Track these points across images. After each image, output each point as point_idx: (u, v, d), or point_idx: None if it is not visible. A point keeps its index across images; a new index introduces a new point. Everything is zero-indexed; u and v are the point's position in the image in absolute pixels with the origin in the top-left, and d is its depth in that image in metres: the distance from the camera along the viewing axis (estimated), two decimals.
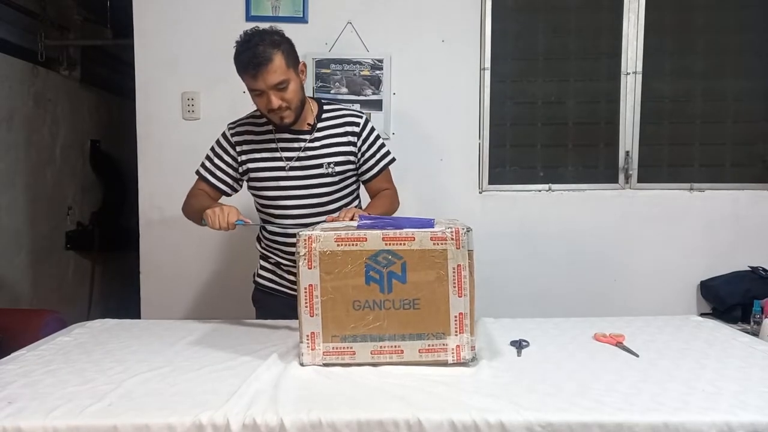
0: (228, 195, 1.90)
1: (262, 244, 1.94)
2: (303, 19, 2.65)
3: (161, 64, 2.69)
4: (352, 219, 1.63)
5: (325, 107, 1.88)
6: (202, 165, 1.88)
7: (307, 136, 1.82)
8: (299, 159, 1.81)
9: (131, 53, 2.71)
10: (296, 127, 1.81)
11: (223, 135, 1.88)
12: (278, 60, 1.66)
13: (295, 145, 1.82)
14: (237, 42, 1.70)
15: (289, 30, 1.78)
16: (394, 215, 1.90)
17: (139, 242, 2.75)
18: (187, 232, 2.71)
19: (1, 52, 2.94)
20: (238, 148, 1.84)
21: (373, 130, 1.90)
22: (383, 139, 1.97)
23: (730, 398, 1.16)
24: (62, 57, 3.48)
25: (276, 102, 1.69)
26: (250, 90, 1.72)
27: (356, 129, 1.86)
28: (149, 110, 2.71)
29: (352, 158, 1.86)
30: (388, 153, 1.93)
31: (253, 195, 1.90)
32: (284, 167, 1.80)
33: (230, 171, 1.86)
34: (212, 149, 1.88)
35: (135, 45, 2.69)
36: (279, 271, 1.92)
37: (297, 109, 1.76)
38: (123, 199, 3.90)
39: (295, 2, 2.67)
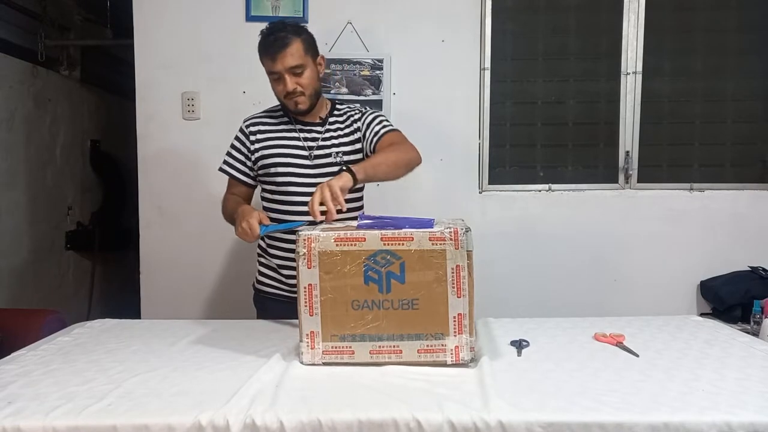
0: (253, 187, 1.94)
1: (266, 242, 1.93)
2: (303, 19, 2.64)
3: (161, 64, 2.69)
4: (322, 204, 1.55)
5: (337, 105, 1.96)
6: (224, 161, 1.93)
7: (320, 128, 1.88)
8: (319, 148, 1.87)
9: (131, 53, 2.71)
10: (309, 119, 1.88)
11: (240, 129, 1.93)
12: (296, 45, 1.76)
13: (312, 135, 1.88)
14: (261, 31, 1.80)
15: None
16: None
17: (139, 242, 2.75)
18: (187, 232, 2.72)
19: (1, 52, 2.94)
20: (252, 138, 1.89)
21: (374, 112, 1.96)
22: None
23: (730, 398, 1.16)
24: (62, 57, 3.49)
25: (291, 85, 1.76)
26: (270, 74, 1.79)
27: (358, 116, 1.93)
28: (149, 110, 2.71)
29: (359, 146, 1.90)
30: (391, 124, 1.92)
31: (265, 183, 1.91)
32: (308, 156, 1.86)
33: (247, 162, 1.90)
34: (231, 145, 1.93)
35: (135, 45, 2.70)
36: (279, 276, 1.91)
37: (311, 97, 1.82)
38: (123, 199, 3.90)
39: (295, 2, 2.67)
